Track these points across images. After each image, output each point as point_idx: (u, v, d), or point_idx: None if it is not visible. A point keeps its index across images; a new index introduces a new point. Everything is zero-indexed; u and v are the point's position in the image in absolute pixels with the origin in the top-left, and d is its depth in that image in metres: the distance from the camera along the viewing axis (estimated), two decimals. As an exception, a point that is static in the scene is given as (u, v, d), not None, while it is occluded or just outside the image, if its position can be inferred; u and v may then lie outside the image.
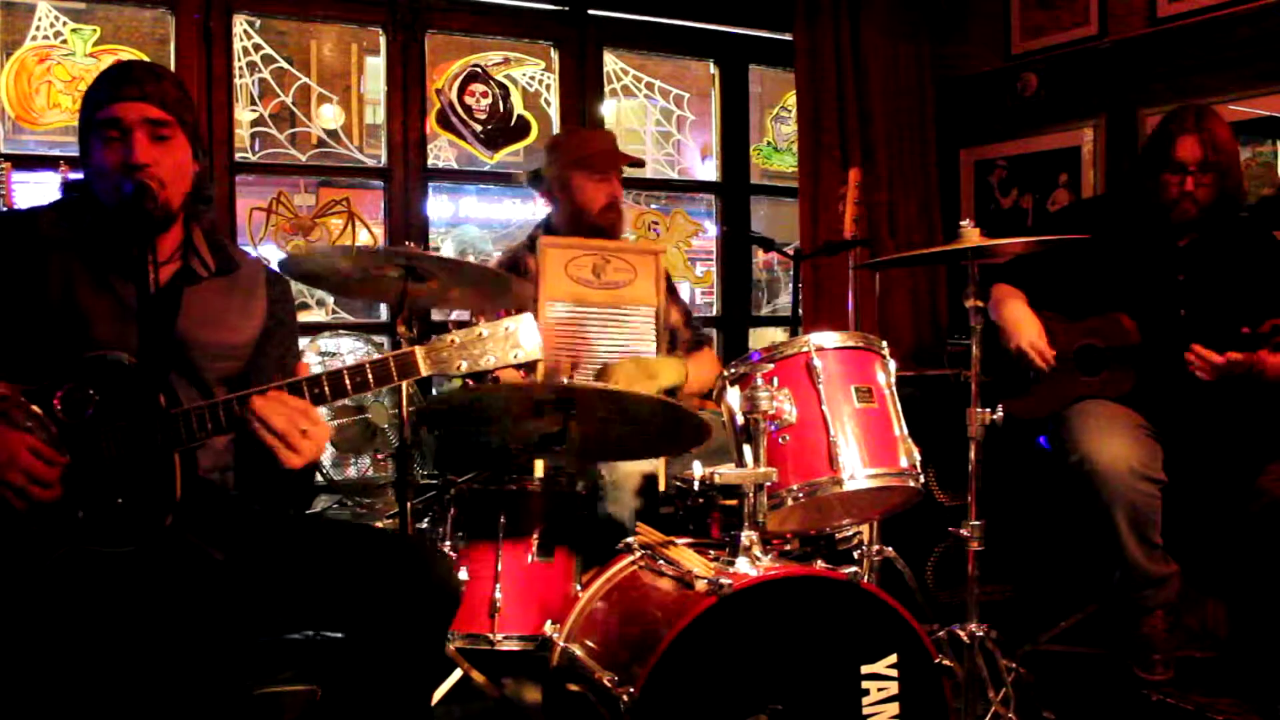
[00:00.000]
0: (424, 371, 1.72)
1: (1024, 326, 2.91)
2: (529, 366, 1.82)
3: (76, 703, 1.60)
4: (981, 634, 2.33)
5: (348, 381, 1.71)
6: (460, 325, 1.81)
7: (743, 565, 1.95)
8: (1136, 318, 2.85)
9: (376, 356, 1.75)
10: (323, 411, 1.86)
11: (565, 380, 2.27)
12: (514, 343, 1.76)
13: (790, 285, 3.77)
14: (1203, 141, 2.74)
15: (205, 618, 1.75)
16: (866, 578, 2.38)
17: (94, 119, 1.79)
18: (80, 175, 1.88)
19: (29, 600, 1.61)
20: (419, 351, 1.73)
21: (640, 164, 3.21)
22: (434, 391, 3.55)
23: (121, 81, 1.80)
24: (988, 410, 2.35)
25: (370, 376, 1.71)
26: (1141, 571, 2.75)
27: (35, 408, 1.65)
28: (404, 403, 2.44)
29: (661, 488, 2.63)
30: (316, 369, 1.74)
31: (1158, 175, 2.81)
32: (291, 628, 1.83)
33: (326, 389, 1.70)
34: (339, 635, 1.78)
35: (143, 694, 1.66)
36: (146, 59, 3.45)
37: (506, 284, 2.50)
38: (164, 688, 1.68)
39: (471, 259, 5.48)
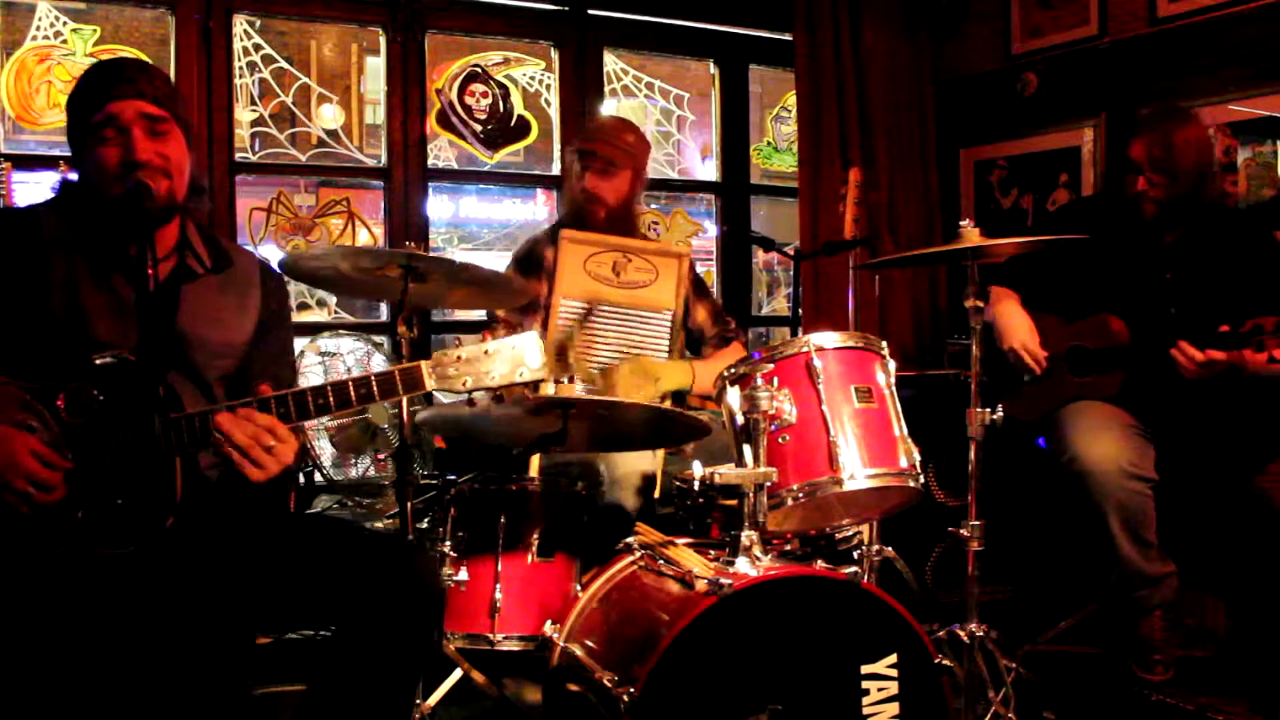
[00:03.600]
0: (429, 387, 1.72)
1: (1016, 328, 2.91)
2: (534, 385, 1.80)
3: (76, 703, 1.60)
4: (981, 634, 2.33)
5: (352, 393, 1.71)
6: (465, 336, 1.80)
7: (743, 565, 1.95)
8: (1126, 317, 2.85)
9: (380, 370, 1.74)
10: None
11: (552, 390, 2.25)
12: (519, 361, 1.75)
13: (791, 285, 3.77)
14: (1150, 142, 2.78)
15: (204, 617, 1.75)
16: (866, 578, 2.40)
17: (88, 120, 1.78)
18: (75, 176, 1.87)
19: (29, 600, 1.61)
20: (424, 366, 1.73)
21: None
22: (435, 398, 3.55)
23: (113, 80, 1.79)
24: (988, 410, 2.35)
25: (375, 389, 1.72)
26: (1137, 571, 2.74)
27: (40, 407, 1.65)
28: (404, 404, 2.43)
29: (657, 494, 2.63)
30: (317, 368, 1.74)
31: (1123, 174, 2.87)
32: (283, 625, 1.83)
33: (331, 400, 1.71)
34: (329, 633, 1.78)
35: (142, 694, 1.66)
36: (145, 58, 3.45)
37: (508, 285, 2.48)
38: (164, 688, 1.68)
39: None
